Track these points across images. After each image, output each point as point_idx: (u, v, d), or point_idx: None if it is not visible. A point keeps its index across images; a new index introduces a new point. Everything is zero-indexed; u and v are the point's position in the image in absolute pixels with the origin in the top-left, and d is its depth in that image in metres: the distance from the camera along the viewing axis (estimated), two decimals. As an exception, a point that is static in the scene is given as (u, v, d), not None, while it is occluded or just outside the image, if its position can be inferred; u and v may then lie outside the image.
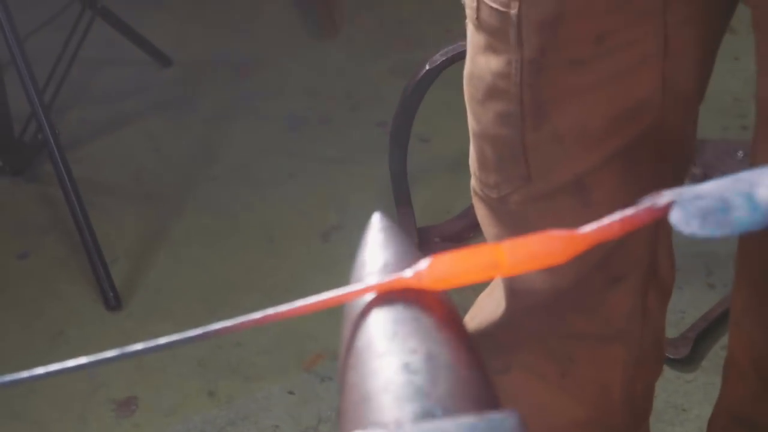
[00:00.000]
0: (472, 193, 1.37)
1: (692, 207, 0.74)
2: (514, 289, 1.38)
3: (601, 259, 1.32)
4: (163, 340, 0.71)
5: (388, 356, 0.64)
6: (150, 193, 2.90)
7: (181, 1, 3.69)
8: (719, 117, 2.90)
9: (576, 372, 1.42)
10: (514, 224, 1.31)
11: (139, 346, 0.69)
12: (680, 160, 1.33)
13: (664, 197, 0.73)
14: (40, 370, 0.70)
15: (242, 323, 0.74)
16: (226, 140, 3.05)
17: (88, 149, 3.03)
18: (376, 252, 0.74)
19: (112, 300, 2.49)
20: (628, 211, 0.74)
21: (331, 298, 0.74)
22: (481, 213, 1.36)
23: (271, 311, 0.73)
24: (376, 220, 0.78)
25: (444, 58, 2.33)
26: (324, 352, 2.34)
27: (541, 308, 1.37)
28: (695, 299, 2.35)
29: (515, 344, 1.42)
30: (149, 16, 3.52)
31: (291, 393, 2.28)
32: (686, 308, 2.33)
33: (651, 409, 1.53)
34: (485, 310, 1.44)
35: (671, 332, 2.26)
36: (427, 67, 2.36)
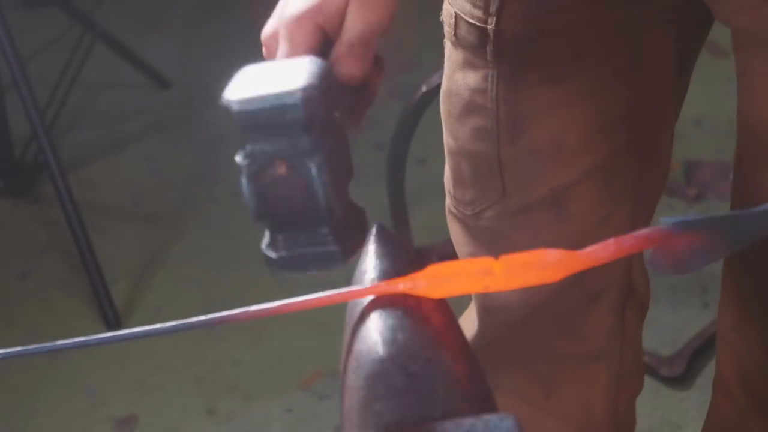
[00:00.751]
0: (446, 213, 1.38)
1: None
2: (486, 306, 1.39)
3: (575, 276, 1.32)
4: (170, 324, 0.74)
5: (389, 361, 0.66)
6: (149, 214, 2.92)
7: (180, 24, 3.71)
8: (713, 139, 2.92)
9: (559, 392, 1.42)
10: (489, 241, 1.31)
11: (158, 326, 0.73)
12: (656, 176, 1.34)
13: (661, 225, 0.76)
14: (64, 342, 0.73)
15: (247, 313, 0.77)
16: (224, 162, 3.06)
17: (88, 171, 3.05)
18: (377, 261, 0.76)
19: (112, 319, 2.50)
20: (626, 237, 0.76)
21: (334, 296, 0.76)
22: (455, 231, 1.37)
23: (276, 304, 0.76)
24: (378, 231, 0.80)
25: (441, 81, 2.34)
26: (322, 371, 2.35)
27: (518, 327, 1.38)
28: (690, 318, 2.36)
29: (498, 366, 1.42)
30: (149, 39, 3.54)
31: (289, 411, 2.29)
32: (681, 326, 2.35)
33: (635, 424, 1.54)
34: (465, 332, 1.44)
35: (666, 350, 2.28)
36: (424, 89, 2.37)
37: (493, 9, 1.18)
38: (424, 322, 0.69)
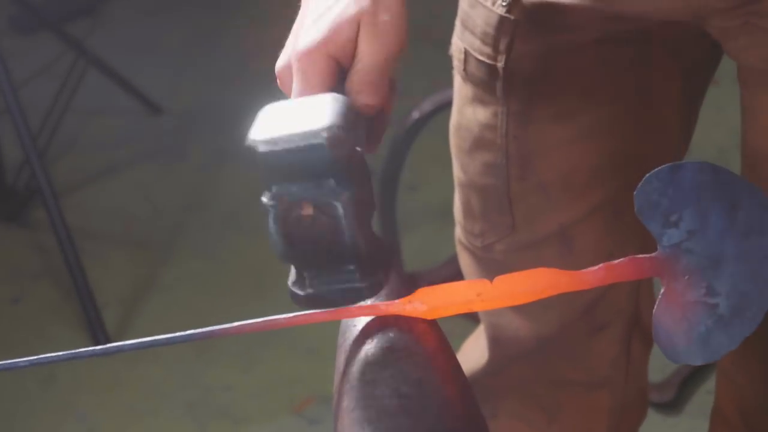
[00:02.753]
0: (456, 242, 1.38)
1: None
2: (497, 338, 1.39)
3: (585, 309, 1.33)
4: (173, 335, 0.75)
5: (381, 382, 0.67)
6: (141, 239, 2.92)
7: (172, 51, 3.72)
8: (703, 166, 2.93)
9: (562, 418, 1.43)
10: (497, 273, 1.31)
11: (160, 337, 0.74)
12: None
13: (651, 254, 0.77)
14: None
15: (242, 327, 0.78)
16: (216, 188, 3.07)
17: (80, 196, 3.05)
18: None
19: (103, 344, 2.49)
20: (617, 262, 0.77)
21: (327, 313, 0.77)
22: (465, 262, 1.38)
23: (270, 318, 0.76)
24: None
25: (432, 107, 2.35)
26: (314, 396, 2.35)
27: (526, 357, 1.38)
28: (680, 345, 2.36)
29: (502, 391, 1.42)
30: (141, 65, 3.55)
31: (281, 436, 2.30)
32: (671, 353, 2.35)
33: None
34: (470, 358, 1.44)
35: (656, 376, 2.28)
36: (416, 116, 2.38)
37: (502, 47, 1.18)
38: (416, 344, 0.70)
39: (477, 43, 1.21)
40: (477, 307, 0.76)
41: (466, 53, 1.23)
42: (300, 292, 0.86)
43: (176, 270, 2.77)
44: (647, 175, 0.79)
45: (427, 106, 2.36)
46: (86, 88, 3.10)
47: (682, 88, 1.25)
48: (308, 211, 0.82)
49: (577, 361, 1.39)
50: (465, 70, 1.25)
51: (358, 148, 0.86)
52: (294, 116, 0.84)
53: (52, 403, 2.40)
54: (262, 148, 0.82)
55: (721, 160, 3.09)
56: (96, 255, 2.78)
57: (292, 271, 0.87)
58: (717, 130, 3.03)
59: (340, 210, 0.82)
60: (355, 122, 0.86)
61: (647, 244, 1.32)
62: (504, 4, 1.17)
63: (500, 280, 0.74)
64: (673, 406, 2.26)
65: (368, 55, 0.91)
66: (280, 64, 0.95)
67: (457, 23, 1.26)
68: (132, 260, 2.83)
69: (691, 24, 1.15)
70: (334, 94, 0.87)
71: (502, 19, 1.18)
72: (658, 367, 2.31)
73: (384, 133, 0.97)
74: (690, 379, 2.29)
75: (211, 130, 3.31)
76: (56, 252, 2.56)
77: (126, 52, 3.59)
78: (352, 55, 0.91)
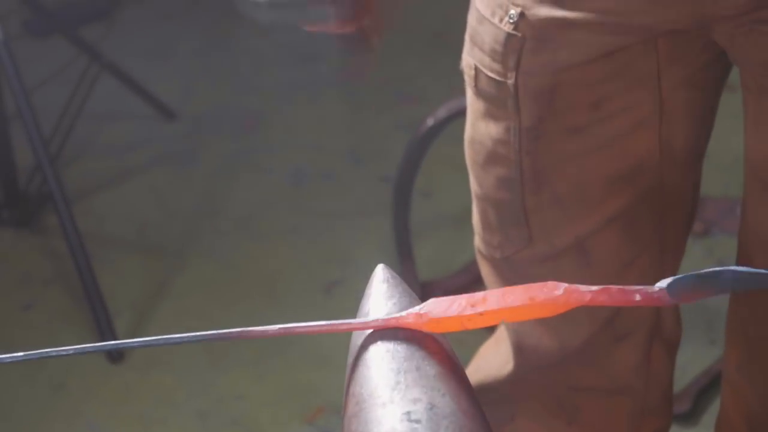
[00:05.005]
0: (476, 251, 1.39)
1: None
2: (521, 347, 1.39)
3: (608, 319, 1.33)
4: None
5: (391, 405, 0.65)
6: (154, 245, 2.91)
7: (186, 56, 3.72)
8: (720, 174, 2.91)
9: (582, 421, 1.43)
10: (517, 283, 1.31)
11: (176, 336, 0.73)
12: (681, 221, 1.34)
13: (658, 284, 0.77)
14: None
15: (254, 332, 0.76)
16: (229, 194, 3.06)
17: (92, 202, 3.04)
18: (380, 302, 0.76)
19: (114, 352, 2.49)
20: (620, 290, 0.77)
21: (336, 325, 0.75)
22: (485, 271, 1.38)
23: (280, 327, 0.75)
24: (380, 272, 0.79)
25: (447, 114, 2.34)
26: (326, 406, 2.34)
27: (547, 366, 1.39)
28: (697, 354, 2.35)
29: (521, 396, 1.43)
30: (154, 70, 3.54)
31: (293, 446, 2.28)
32: (688, 363, 2.33)
33: None
34: (491, 365, 1.45)
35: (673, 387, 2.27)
36: (431, 123, 2.37)
37: (511, 63, 1.19)
38: (427, 365, 0.68)
39: (486, 59, 1.22)
40: (487, 322, 0.75)
41: (477, 69, 1.24)
42: None
43: (189, 276, 2.76)
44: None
45: (441, 113, 2.35)
46: (99, 93, 3.10)
47: (693, 97, 1.25)
48: None
49: (598, 369, 1.39)
50: (476, 86, 1.26)
51: None
52: None
53: (63, 412, 2.39)
54: None
55: (737, 166, 3.06)
56: (108, 261, 2.78)
57: None
58: (734, 138, 3.01)
59: None
60: None
61: (664, 252, 1.32)
62: (511, 21, 1.18)
63: (502, 293, 0.73)
64: (689, 416, 2.24)
65: None
66: None
67: (467, 39, 1.28)
68: (144, 266, 2.82)
69: (698, 33, 1.14)
70: None
71: (509, 36, 1.19)
72: (675, 378, 2.29)
73: (372, 44, 0.98)
74: (706, 389, 2.28)
75: (224, 135, 3.31)
76: (68, 258, 2.55)
77: (139, 56, 3.59)
78: None
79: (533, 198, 1.26)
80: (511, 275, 1.33)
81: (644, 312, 1.35)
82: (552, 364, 1.38)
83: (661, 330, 1.39)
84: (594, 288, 0.77)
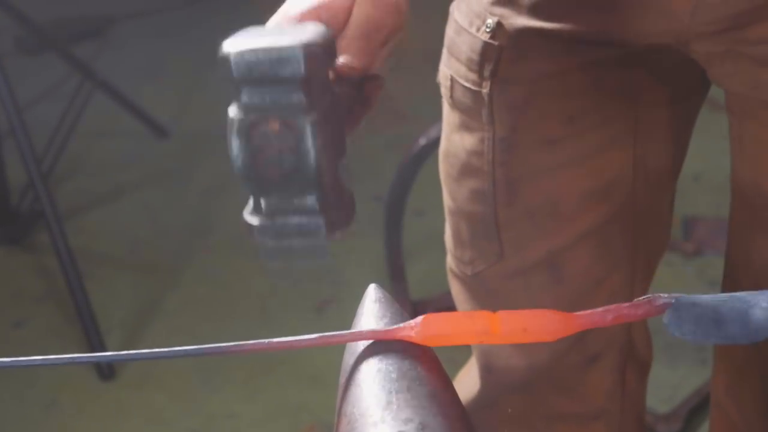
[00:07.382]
0: (447, 270, 1.38)
1: (687, 313, 0.77)
2: (489, 366, 1.38)
3: (576, 338, 1.32)
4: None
5: (382, 425, 0.65)
6: (145, 263, 2.91)
7: (178, 74, 3.72)
8: (712, 194, 2.92)
9: None
10: (488, 301, 1.31)
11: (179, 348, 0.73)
12: (655, 239, 1.34)
13: (661, 298, 0.76)
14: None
15: (246, 346, 0.76)
16: (221, 212, 3.06)
17: (84, 219, 3.04)
18: (371, 322, 0.76)
19: (106, 370, 2.49)
20: (625, 305, 0.76)
21: (328, 338, 0.75)
22: (456, 289, 1.37)
23: (272, 341, 0.75)
24: (372, 291, 0.79)
25: (439, 133, 2.34)
26: (317, 425, 2.33)
27: (519, 387, 1.37)
28: (687, 375, 2.35)
29: (498, 423, 1.42)
30: (148, 89, 3.55)
31: (283, 465, 2.28)
32: (678, 384, 2.33)
33: None
34: (465, 387, 1.44)
35: (663, 407, 2.27)
36: (423, 142, 2.37)
37: (486, 73, 1.19)
38: (418, 385, 0.68)
39: (463, 69, 1.22)
40: (484, 341, 0.75)
41: (452, 80, 1.24)
42: (254, 221, 0.84)
43: (180, 294, 2.76)
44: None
45: (434, 132, 2.35)
46: (92, 111, 3.11)
47: (671, 114, 1.25)
48: (275, 126, 0.80)
49: (572, 393, 1.38)
50: (452, 97, 1.25)
51: (336, 90, 0.86)
52: (273, 35, 0.82)
53: (54, 429, 2.38)
54: (234, 57, 0.80)
55: (728, 188, 3.07)
56: (100, 278, 2.78)
57: (251, 200, 0.85)
58: (726, 158, 3.02)
59: (307, 128, 0.80)
60: (332, 52, 0.86)
61: (636, 271, 1.32)
62: (488, 30, 1.17)
63: (506, 316, 0.73)
64: (680, 437, 2.25)
65: (356, 20, 0.92)
66: (269, 25, 0.95)
67: (444, 51, 1.27)
68: (136, 284, 2.82)
69: (677, 50, 1.14)
70: (317, 23, 0.87)
71: (486, 45, 1.18)
72: (665, 398, 2.29)
73: (376, 103, 0.97)
74: (697, 410, 2.28)
75: (217, 153, 3.30)
76: (60, 276, 2.55)
77: (132, 74, 3.59)
78: (345, 23, 0.92)
79: (506, 211, 1.25)
80: (481, 293, 1.32)
81: (615, 333, 1.34)
82: (523, 385, 1.36)
83: (633, 351, 1.38)
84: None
